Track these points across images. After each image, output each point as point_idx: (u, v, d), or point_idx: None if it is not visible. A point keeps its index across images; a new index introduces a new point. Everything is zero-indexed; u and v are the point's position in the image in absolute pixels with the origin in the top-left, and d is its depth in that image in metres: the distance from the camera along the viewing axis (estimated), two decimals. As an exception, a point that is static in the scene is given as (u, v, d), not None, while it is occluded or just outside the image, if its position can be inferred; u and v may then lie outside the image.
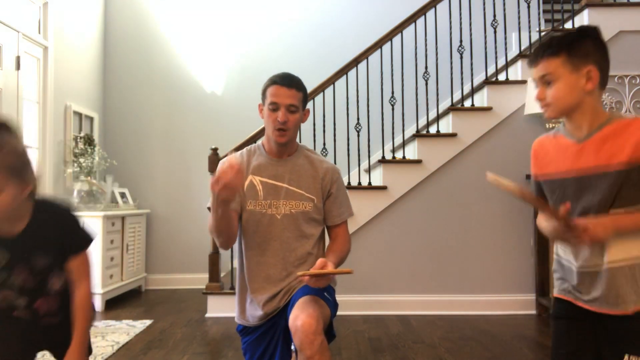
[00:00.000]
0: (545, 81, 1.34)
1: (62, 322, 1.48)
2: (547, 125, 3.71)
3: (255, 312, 1.80)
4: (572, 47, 1.32)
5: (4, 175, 1.29)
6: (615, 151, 1.29)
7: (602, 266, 1.33)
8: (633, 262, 1.32)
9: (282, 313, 1.75)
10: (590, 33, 1.34)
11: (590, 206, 1.32)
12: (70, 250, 1.46)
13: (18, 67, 3.57)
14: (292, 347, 1.70)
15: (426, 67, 3.92)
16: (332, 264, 1.62)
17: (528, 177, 3.50)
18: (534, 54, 1.37)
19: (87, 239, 1.51)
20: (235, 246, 1.90)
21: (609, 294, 1.32)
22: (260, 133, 3.87)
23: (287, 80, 1.83)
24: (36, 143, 3.85)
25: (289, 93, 1.81)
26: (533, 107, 3.59)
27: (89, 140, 4.31)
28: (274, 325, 1.78)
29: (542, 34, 4.05)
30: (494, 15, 3.92)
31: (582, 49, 1.32)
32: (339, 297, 1.94)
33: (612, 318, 1.34)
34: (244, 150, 1.93)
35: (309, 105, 3.91)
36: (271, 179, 1.83)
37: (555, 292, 1.48)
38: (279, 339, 1.76)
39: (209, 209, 1.84)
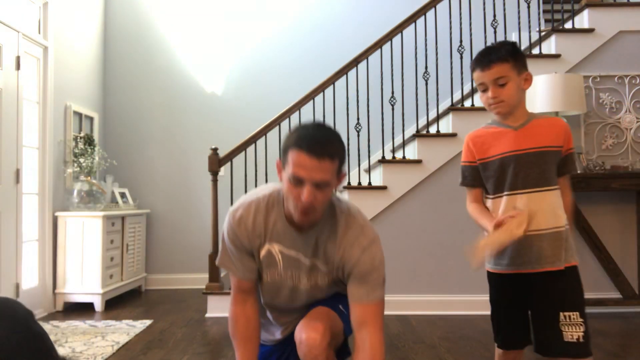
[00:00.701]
0: (498, 83, 1.64)
1: None
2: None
3: (271, 337, 1.73)
4: (515, 55, 1.65)
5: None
6: (548, 138, 1.67)
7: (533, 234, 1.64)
8: (558, 229, 1.66)
9: None
10: (517, 47, 1.69)
11: (530, 175, 1.66)
12: None
13: (18, 67, 3.57)
14: None
15: (426, 67, 3.92)
16: None
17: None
18: (483, 60, 1.66)
19: None
20: None
21: (539, 255, 1.65)
22: (260, 133, 3.87)
23: (319, 148, 1.35)
24: (36, 143, 3.85)
25: (320, 166, 1.34)
26: (533, 106, 3.59)
27: (89, 140, 4.31)
28: (289, 339, 1.69)
29: (542, 34, 4.05)
30: (494, 15, 3.92)
31: (520, 57, 1.67)
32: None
33: (540, 276, 1.66)
34: (262, 201, 1.54)
35: (309, 105, 3.92)
36: (292, 249, 1.53)
37: (488, 266, 1.80)
38: (291, 351, 1.67)
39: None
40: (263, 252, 1.54)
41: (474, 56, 4.11)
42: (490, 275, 1.80)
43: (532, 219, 1.57)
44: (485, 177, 1.75)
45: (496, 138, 1.71)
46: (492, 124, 1.76)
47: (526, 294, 1.70)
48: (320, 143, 1.36)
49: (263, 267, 1.57)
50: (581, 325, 1.62)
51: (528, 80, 1.69)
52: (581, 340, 1.61)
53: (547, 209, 1.66)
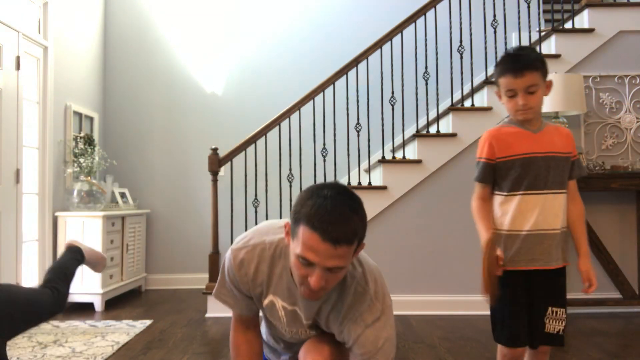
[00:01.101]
0: (529, 91, 1.69)
1: None
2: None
3: (277, 349, 1.71)
4: (543, 64, 1.72)
5: None
6: (561, 144, 1.75)
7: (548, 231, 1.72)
8: (563, 230, 1.76)
9: None
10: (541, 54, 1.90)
11: (548, 177, 1.72)
12: None
13: (18, 67, 3.57)
14: None
15: (426, 67, 3.92)
16: None
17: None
18: (515, 67, 1.69)
19: None
20: None
21: (549, 253, 1.72)
22: (260, 133, 3.87)
23: (335, 232, 1.17)
24: (36, 143, 3.85)
25: (336, 253, 1.18)
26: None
27: (89, 140, 4.31)
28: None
29: (542, 34, 4.05)
30: (494, 15, 3.92)
31: (546, 65, 1.74)
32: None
33: (540, 273, 1.73)
34: (268, 249, 1.42)
35: (309, 105, 3.91)
36: (294, 306, 1.43)
37: None
38: None
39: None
40: (266, 302, 1.45)
41: (473, 56, 4.11)
42: None
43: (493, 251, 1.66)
44: (502, 175, 1.77)
45: (517, 138, 1.75)
46: (512, 124, 1.80)
47: (526, 289, 1.77)
48: (338, 224, 1.17)
49: (267, 314, 1.50)
50: (564, 321, 1.76)
51: (549, 87, 1.75)
52: (560, 333, 1.75)
53: (559, 210, 1.74)
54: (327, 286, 1.24)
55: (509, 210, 1.75)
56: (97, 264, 2.38)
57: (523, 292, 1.76)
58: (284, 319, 1.45)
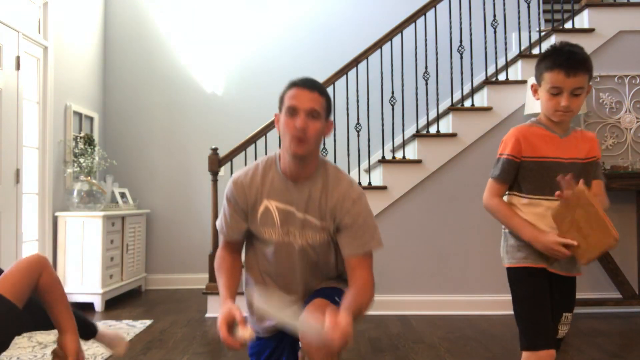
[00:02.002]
0: (575, 93, 1.59)
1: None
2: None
3: (264, 325, 1.72)
4: (591, 67, 1.62)
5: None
6: (586, 150, 1.68)
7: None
8: None
9: None
10: None
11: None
12: None
13: (18, 67, 3.57)
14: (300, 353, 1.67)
15: (426, 67, 3.92)
16: (342, 319, 1.36)
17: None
18: (569, 65, 1.57)
19: None
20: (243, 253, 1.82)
21: (570, 260, 1.63)
22: (260, 133, 3.87)
23: (309, 83, 1.63)
24: (36, 143, 3.85)
25: (311, 96, 1.59)
26: (533, 107, 3.59)
27: (89, 140, 4.31)
28: (283, 333, 1.69)
29: (542, 34, 4.05)
30: (494, 15, 3.92)
31: (592, 69, 1.63)
32: (339, 297, 1.93)
33: (560, 279, 1.67)
34: (260, 165, 1.70)
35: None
36: (287, 204, 1.64)
37: (514, 262, 1.70)
38: (287, 342, 1.70)
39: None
40: (261, 209, 1.65)
41: (473, 56, 4.10)
42: (519, 270, 1.68)
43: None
44: (525, 176, 1.67)
45: (545, 141, 1.65)
46: (539, 125, 1.69)
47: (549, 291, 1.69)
48: (311, 81, 1.64)
49: (261, 225, 1.66)
50: (569, 325, 1.72)
51: (588, 92, 1.67)
52: (563, 336, 1.72)
53: None
54: (308, 133, 1.55)
55: (533, 214, 1.65)
56: (114, 345, 2.27)
57: (547, 292, 1.67)
58: (278, 221, 1.64)
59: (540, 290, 1.65)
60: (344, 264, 1.66)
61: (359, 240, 1.62)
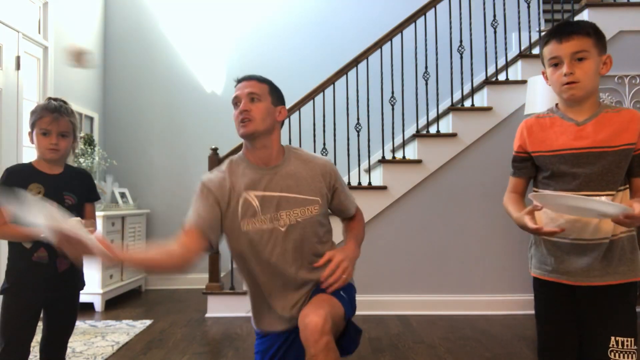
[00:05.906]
0: (577, 57, 1.41)
1: (72, 266, 1.84)
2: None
3: (278, 319, 1.75)
4: (598, 34, 1.44)
5: (71, 131, 1.86)
6: (617, 135, 1.42)
7: (607, 238, 1.43)
8: (628, 234, 1.45)
9: None
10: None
11: (590, 178, 1.43)
12: (87, 199, 1.94)
13: (18, 67, 3.57)
14: None
15: (426, 67, 3.92)
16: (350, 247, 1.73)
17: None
18: (562, 31, 1.44)
19: (98, 195, 2.03)
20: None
21: (589, 267, 1.45)
22: (260, 133, 3.87)
23: (247, 76, 1.81)
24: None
25: (249, 84, 1.76)
26: (533, 107, 3.59)
27: (89, 140, 4.31)
28: (291, 332, 1.73)
29: (542, 34, 4.05)
30: (494, 15, 3.92)
31: (603, 37, 1.46)
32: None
33: (595, 290, 1.44)
34: (225, 165, 1.75)
35: (309, 105, 3.91)
36: (267, 190, 1.70)
37: (532, 271, 1.62)
38: (293, 341, 1.72)
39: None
40: (241, 202, 1.68)
41: (473, 56, 4.09)
42: (533, 279, 1.60)
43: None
44: (541, 171, 1.55)
45: (555, 131, 1.49)
46: (555, 113, 1.52)
47: (574, 308, 1.50)
48: (249, 74, 1.80)
49: (243, 218, 1.67)
50: (634, 354, 1.40)
51: (607, 65, 1.45)
52: None
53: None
54: (252, 113, 1.67)
55: (543, 216, 1.53)
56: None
57: (568, 310, 1.53)
58: (259, 208, 1.68)
59: (552, 303, 1.53)
60: (330, 233, 1.84)
61: (349, 197, 1.90)
